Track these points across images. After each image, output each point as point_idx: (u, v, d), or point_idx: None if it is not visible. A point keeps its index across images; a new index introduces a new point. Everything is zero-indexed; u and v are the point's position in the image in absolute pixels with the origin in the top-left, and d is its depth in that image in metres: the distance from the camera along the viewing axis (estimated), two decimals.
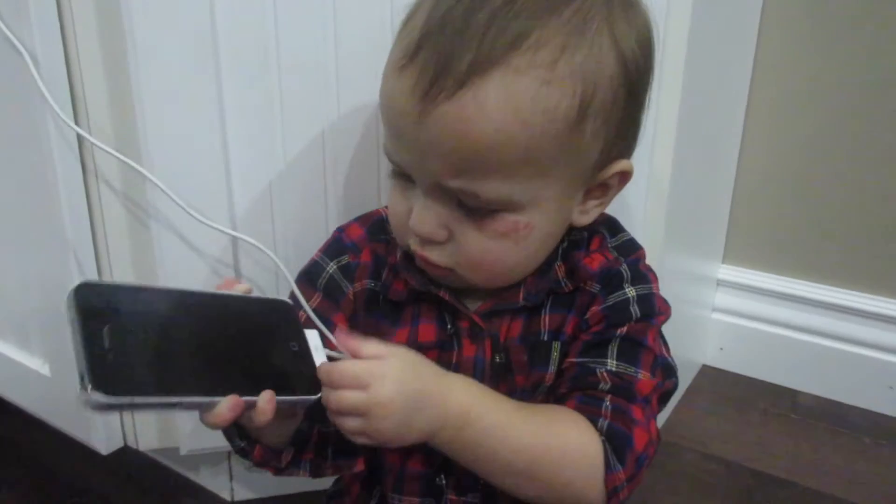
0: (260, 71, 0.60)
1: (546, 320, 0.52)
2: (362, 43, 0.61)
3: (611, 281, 0.51)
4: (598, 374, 0.49)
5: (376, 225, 0.57)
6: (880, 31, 0.92)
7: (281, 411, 0.43)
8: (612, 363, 0.49)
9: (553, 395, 0.52)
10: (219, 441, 0.72)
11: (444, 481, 0.54)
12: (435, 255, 0.48)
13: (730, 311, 1.09)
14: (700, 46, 0.72)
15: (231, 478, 0.81)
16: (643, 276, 0.53)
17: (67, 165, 0.63)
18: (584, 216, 0.51)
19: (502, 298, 0.52)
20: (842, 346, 1.02)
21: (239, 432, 0.49)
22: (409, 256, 0.52)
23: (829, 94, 0.97)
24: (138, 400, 0.37)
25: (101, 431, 0.72)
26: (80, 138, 0.63)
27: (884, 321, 0.99)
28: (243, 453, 0.51)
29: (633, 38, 0.45)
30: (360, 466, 0.54)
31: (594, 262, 0.52)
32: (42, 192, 0.65)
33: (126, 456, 0.76)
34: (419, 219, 0.47)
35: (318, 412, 0.46)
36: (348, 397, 0.42)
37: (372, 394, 0.42)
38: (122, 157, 0.60)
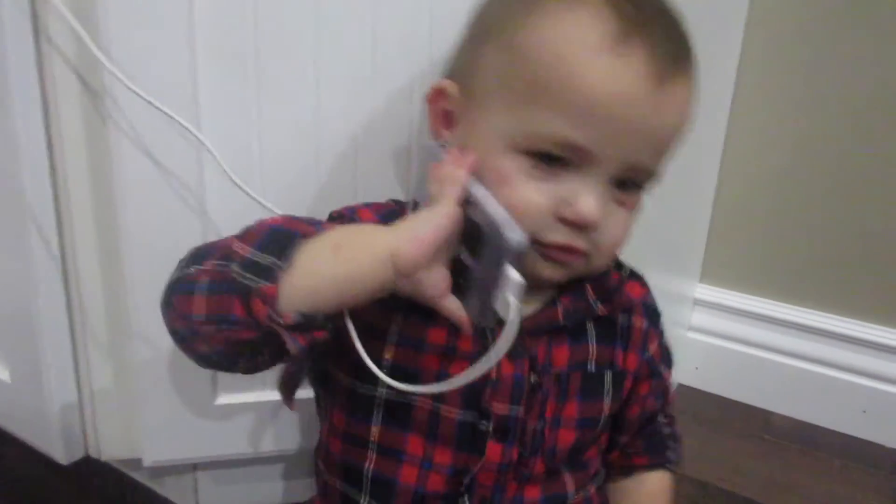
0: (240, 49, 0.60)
1: (593, 350, 0.53)
2: None
3: (652, 315, 0.57)
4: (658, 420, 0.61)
5: (393, 214, 0.52)
6: (861, 55, 0.93)
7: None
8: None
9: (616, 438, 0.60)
10: (183, 453, 0.71)
11: (467, 503, 0.52)
12: (580, 241, 0.47)
13: (706, 331, 1.10)
14: None
15: (196, 490, 0.79)
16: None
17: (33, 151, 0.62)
18: None
19: (541, 318, 0.51)
20: (816, 369, 1.03)
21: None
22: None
23: (809, 117, 0.98)
24: None
25: (62, 440, 0.70)
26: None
27: (858, 344, 1.00)
28: (308, 324, 0.42)
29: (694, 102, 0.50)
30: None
31: (633, 289, 0.54)
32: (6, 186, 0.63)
33: (88, 466, 0.74)
34: (594, 206, 0.46)
35: None
36: None
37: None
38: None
